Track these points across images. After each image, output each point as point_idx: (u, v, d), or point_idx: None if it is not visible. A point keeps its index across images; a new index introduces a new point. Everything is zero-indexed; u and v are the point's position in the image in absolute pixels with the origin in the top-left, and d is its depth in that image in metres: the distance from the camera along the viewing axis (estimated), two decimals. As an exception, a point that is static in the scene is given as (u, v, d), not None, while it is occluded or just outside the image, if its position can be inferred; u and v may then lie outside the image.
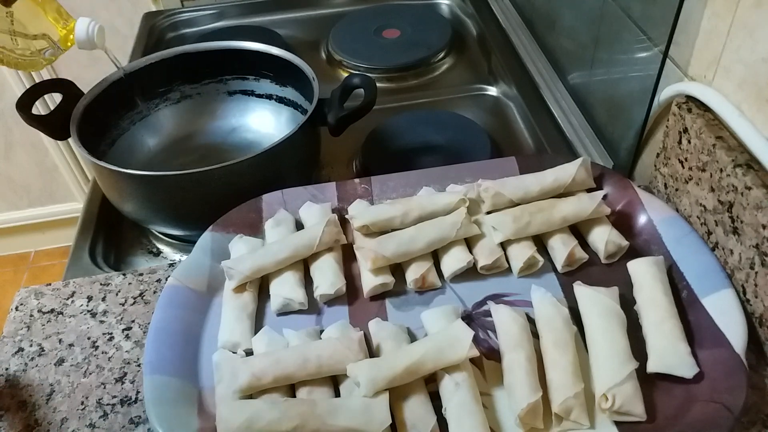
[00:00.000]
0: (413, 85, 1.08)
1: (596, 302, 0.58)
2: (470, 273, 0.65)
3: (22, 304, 0.68)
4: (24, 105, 0.76)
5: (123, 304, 0.67)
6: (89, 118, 0.78)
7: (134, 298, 0.67)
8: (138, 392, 0.59)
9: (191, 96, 0.92)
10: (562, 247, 0.64)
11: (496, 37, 1.13)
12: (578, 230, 0.67)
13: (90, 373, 0.61)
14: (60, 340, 0.64)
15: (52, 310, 0.67)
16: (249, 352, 0.59)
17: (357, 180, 0.74)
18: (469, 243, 0.67)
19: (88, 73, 0.83)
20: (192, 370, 0.58)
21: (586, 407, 0.52)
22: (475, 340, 0.55)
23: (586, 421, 0.52)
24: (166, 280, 0.64)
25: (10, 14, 0.65)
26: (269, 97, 0.92)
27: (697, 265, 0.61)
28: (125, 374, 0.60)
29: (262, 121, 0.93)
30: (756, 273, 0.56)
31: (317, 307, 0.64)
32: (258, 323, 0.62)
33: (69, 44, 0.70)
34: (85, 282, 0.70)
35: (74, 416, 0.57)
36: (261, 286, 0.65)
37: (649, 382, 0.54)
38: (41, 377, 0.61)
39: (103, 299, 0.68)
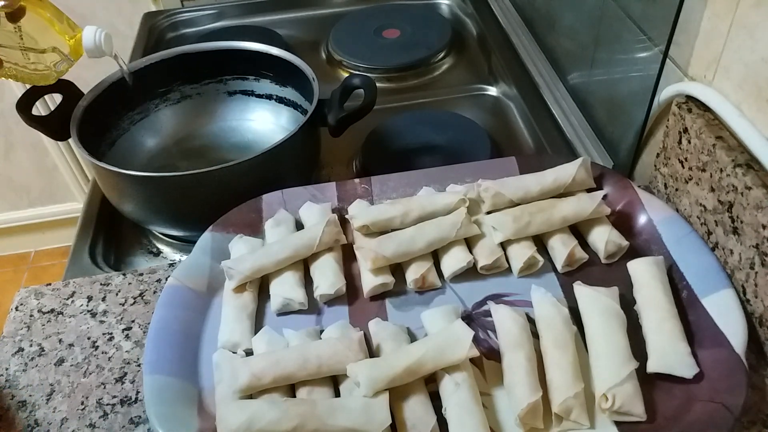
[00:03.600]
0: (413, 85, 1.08)
1: (596, 302, 0.58)
2: (470, 273, 0.65)
3: (22, 304, 0.68)
4: (24, 105, 0.76)
5: (123, 304, 0.67)
6: (89, 119, 0.78)
7: (134, 298, 0.67)
8: (138, 392, 0.59)
9: (191, 96, 0.92)
10: (562, 247, 0.64)
11: (496, 37, 1.13)
12: (578, 230, 0.67)
13: (90, 373, 0.61)
14: (60, 340, 0.64)
15: (52, 310, 0.67)
16: (249, 352, 0.59)
17: (357, 180, 0.74)
18: (469, 243, 0.67)
19: (88, 73, 0.83)
20: (192, 370, 0.58)
21: (586, 407, 0.52)
22: (475, 340, 0.55)
23: (586, 421, 0.52)
24: (166, 280, 0.64)
25: (18, 29, 0.65)
26: (269, 97, 0.92)
27: (697, 265, 0.61)
28: (125, 374, 0.60)
29: (262, 122, 0.93)
30: (756, 273, 0.56)
31: (317, 307, 0.64)
32: (258, 323, 0.62)
33: (79, 54, 0.71)
34: (85, 282, 0.70)
35: (74, 416, 0.57)
36: (261, 286, 0.65)
37: (649, 382, 0.54)
38: (41, 377, 0.61)
39: (103, 299, 0.68)
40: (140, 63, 0.85)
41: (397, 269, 0.66)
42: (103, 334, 0.64)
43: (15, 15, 0.65)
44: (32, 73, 0.68)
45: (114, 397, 0.59)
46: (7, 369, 0.62)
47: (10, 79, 0.68)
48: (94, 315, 0.66)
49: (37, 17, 0.66)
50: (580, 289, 0.60)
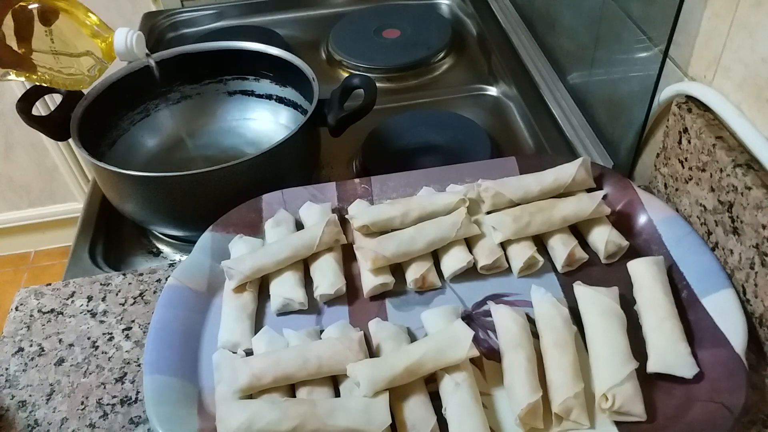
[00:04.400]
0: (413, 85, 1.08)
1: (596, 302, 0.58)
2: (470, 273, 0.65)
3: (22, 304, 0.68)
4: (24, 106, 0.76)
5: (123, 304, 0.67)
6: (89, 119, 0.78)
7: (134, 298, 0.67)
8: (138, 392, 0.59)
9: (191, 96, 0.92)
10: (562, 247, 0.64)
11: (496, 37, 1.13)
12: (578, 230, 0.67)
13: (90, 373, 0.61)
14: (60, 340, 0.64)
15: (52, 310, 0.67)
16: (249, 352, 0.59)
17: (357, 180, 0.74)
18: (469, 243, 0.67)
19: (88, 73, 0.83)
20: (192, 370, 0.58)
21: (586, 407, 0.52)
22: (475, 340, 0.55)
23: (586, 421, 0.52)
24: (166, 280, 0.64)
25: (49, 33, 0.65)
26: (269, 97, 0.92)
27: (697, 265, 0.61)
28: (125, 374, 0.60)
29: (262, 122, 0.93)
30: (756, 273, 0.56)
31: (317, 307, 0.64)
32: (258, 323, 0.62)
33: (112, 57, 0.70)
34: (85, 282, 0.70)
35: (74, 416, 0.57)
36: (261, 286, 0.65)
37: (649, 382, 0.54)
38: (41, 377, 0.61)
39: (103, 299, 0.68)
40: (140, 63, 0.85)
41: (397, 269, 0.66)
42: (103, 334, 0.64)
43: (47, 17, 0.64)
44: (66, 77, 0.68)
45: (114, 397, 0.59)
46: (7, 369, 0.62)
47: (44, 84, 0.68)
48: (94, 315, 0.66)
49: (70, 21, 0.66)
50: (580, 289, 0.60)
